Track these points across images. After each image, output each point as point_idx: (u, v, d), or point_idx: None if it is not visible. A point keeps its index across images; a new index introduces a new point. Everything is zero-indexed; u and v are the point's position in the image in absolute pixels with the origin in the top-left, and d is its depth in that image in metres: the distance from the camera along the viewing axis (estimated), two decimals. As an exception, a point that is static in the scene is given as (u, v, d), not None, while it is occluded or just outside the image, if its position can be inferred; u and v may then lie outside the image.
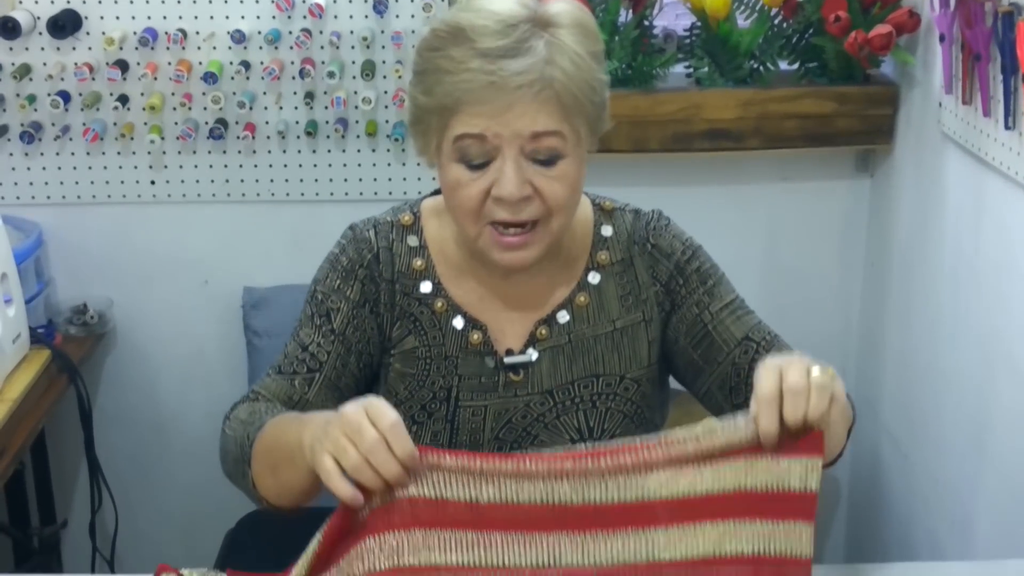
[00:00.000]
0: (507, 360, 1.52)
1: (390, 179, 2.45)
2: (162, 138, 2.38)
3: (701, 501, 1.25)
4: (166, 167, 2.42)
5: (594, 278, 1.54)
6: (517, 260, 1.43)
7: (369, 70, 2.35)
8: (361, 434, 1.21)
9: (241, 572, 1.44)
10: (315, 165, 2.43)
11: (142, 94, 2.36)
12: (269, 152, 2.43)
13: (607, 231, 1.55)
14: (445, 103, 1.37)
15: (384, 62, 2.37)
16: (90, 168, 2.42)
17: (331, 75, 2.32)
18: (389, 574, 1.23)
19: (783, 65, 2.40)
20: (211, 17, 2.33)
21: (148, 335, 2.55)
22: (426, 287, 1.53)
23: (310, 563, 1.27)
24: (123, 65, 2.32)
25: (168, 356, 2.56)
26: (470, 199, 1.40)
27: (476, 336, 1.52)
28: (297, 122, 2.40)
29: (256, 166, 2.43)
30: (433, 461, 1.24)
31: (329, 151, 2.43)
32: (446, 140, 1.39)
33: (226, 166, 2.43)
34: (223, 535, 2.23)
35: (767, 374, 1.24)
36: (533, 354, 1.52)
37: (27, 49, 2.32)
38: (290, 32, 2.33)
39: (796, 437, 1.23)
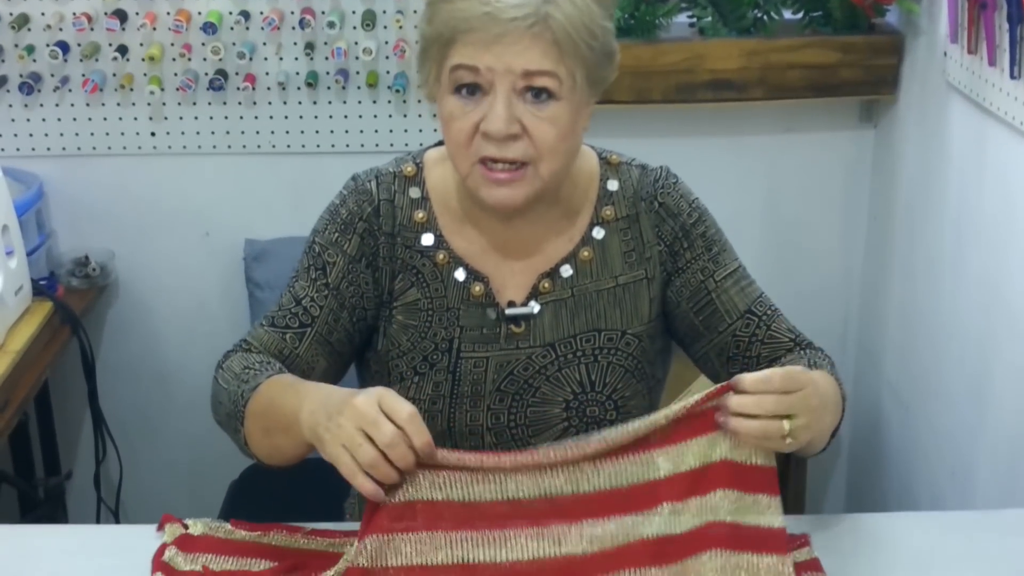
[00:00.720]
0: (509, 312, 1.52)
1: (391, 130, 2.43)
2: (162, 89, 2.37)
3: (683, 479, 1.28)
4: (166, 118, 2.41)
5: (598, 233, 1.53)
6: (505, 198, 1.42)
7: (370, 20, 2.33)
8: (378, 428, 1.22)
9: (245, 522, 1.45)
10: (316, 116, 2.42)
11: (141, 44, 2.35)
12: (269, 103, 2.41)
13: (613, 186, 1.55)
14: (443, 32, 1.38)
15: (384, 12, 2.35)
16: (90, 120, 2.41)
17: (331, 25, 2.31)
18: (401, 571, 1.25)
19: (787, 14, 2.38)
20: (210, -34, 2.31)
21: (150, 287, 2.55)
22: (428, 239, 1.52)
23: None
24: (122, 15, 2.31)
25: (170, 308, 2.56)
26: (461, 132, 1.40)
27: (478, 288, 1.52)
28: (297, 73, 2.39)
29: (256, 117, 2.42)
30: (439, 457, 1.26)
31: (330, 102, 2.42)
32: (444, 71, 1.40)
33: (226, 117, 2.42)
34: (227, 486, 2.24)
35: (796, 374, 1.29)
36: (535, 306, 1.52)
37: (25, -1, 2.31)
38: (290, -19, 2.31)
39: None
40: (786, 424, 1.26)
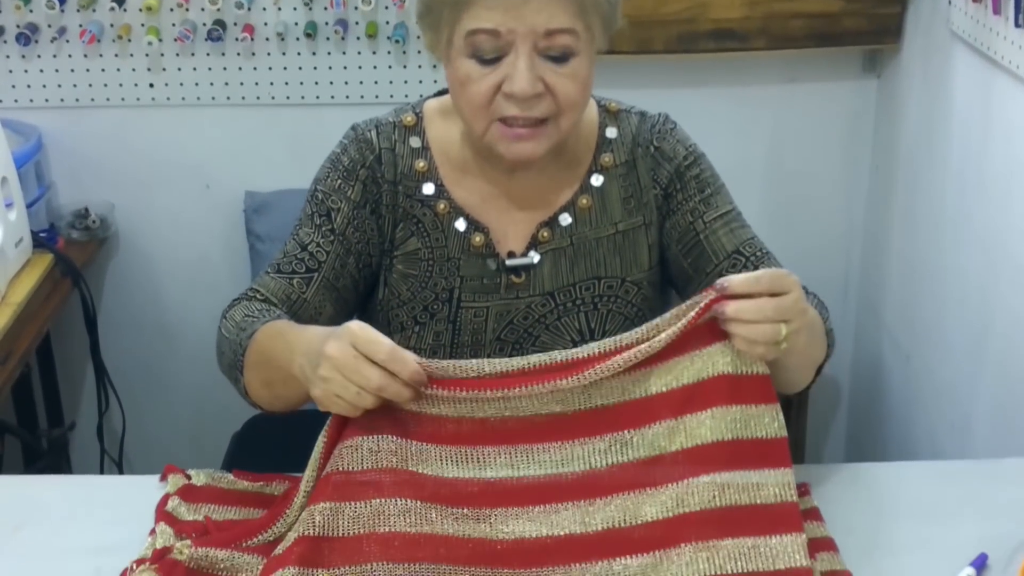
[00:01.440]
0: (509, 262, 1.52)
1: (391, 81, 2.42)
2: (160, 40, 2.35)
3: (677, 396, 1.26)
4: (164, 70, 2.40)
5: (597, 180, 1.53)
6: (525, 152, 1.41)
7: (369, -31, 2.31)
8: (363, 375, 1.20)
9: (247, 472, 1.45)
10: (315, 68, 2.41)
11: (138, -5, 2.33)
12: (268, 55, 2.40)
13: (612, 133, 1.54)
14: None
15: (384, -39, 2.33)
16: (88, 71, 2.39)
17: (330, -26, 2.29)
18: (392, 473, 1.25)
19: (790, -37, 2.36)
20: (207, -85, 2.29)
21: (150, 240, 2.55)
22: (428, 189, 1.52)
23: (316, 468, 1.28)
24: (118, -35, 2.29)
25: (171, 261, 2.56)
26: (480, 95, 1.38)
27: (478, 238, 1.51)
28: (296, 23, 2.37)
29: (255, 69, 2.41)
30: (432, 370, 1.25)
31: (329, 53, 2.40)
32: (457, 34, 1.37)
33: (225, 69, 2.40)
34: (229, 437, 2.25)
35: (783, 276, 1.25)
36: (535, 256, 1.52)
37: (21, -52, 2.29)
38: (288, -70, 2.29)
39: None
40: (782, 328, 1.23)
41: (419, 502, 1.23)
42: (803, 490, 1.38)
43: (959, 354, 2.07)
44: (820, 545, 1.29)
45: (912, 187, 2.31)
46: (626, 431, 1.27)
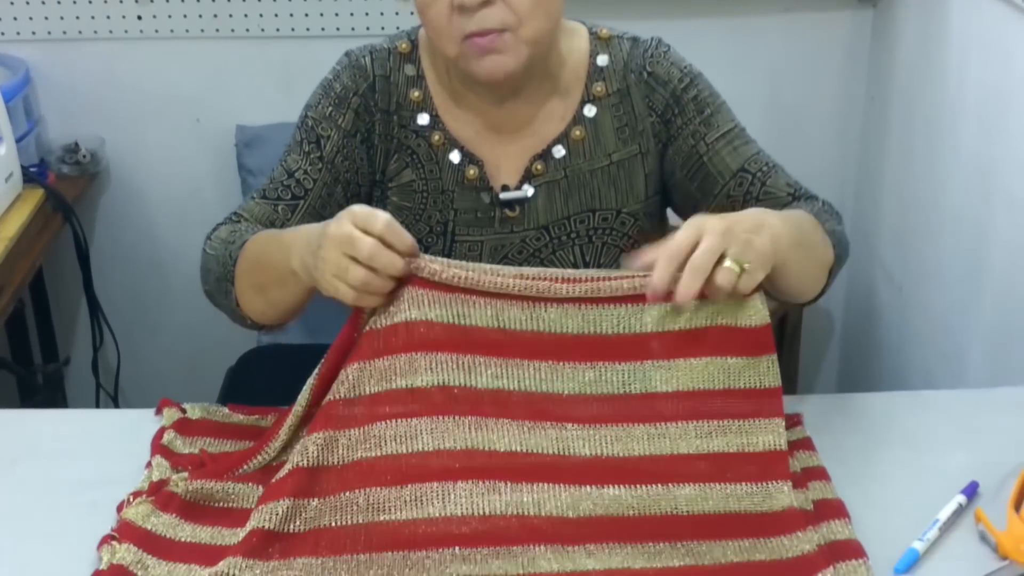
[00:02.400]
0: (503, 196, 1.51)
1: (382, 13, 2.39)
2: (147, -29, 2.32)
3: (671, 338, 1.26)
4: (152, 1, 2.37)
5: (590, 111, 1.52)
6: (495, 67, 1.39)
7: (359, -103, 2.27)
8: (357, 244, 1.19)
9: (242, 406, 1.46)
10: (306, -2, 2.38)
11: (125, -76, 2.29)
12: (258, -15, 2.37)
13: (603, 60, 1.52)
14: None
15: None
16: (75, 2, 2.36)
17: (319, -97, 2.25)
18: (381, 396, 1.24)
19: None
20: None
21: (142, 175, 2.53)
22: (423, 119, 1.51)
23: (311, 392, 1.29)
24: None
25: (163, 195, 2.55)
26: (438, 16, 1.37)
27: (472, 171, 1.50)
28: (286, -47, 2.34)
29: (245, 0, 2.38)
30: (423, 268, 1.24)
31: (320, -17, 2.37)
32: None
33: (214, 0, 2.37)
34: (224, 372, 2.26)
35: (685, 231, 1.21)
36: (529, 190, 1.51)
37: None
38: None
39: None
40: (727, 263, 1.19)
41: (412, 420, 1.23)
42: (795, 420, 1.38)
43: (952, 285, 2.08)
44: (812, 474, 1.30)
45: (907, 118, 2.30)
46: (618, 362, 1.26)
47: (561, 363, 1.27)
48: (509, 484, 1.20)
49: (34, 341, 2.54)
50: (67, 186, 2.36)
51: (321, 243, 1.22)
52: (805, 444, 1.36)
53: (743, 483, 1.22)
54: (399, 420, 1.23)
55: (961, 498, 1.26)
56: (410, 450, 1.22)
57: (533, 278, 1.26)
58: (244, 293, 1.40)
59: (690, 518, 1.20)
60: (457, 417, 1.23)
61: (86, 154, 2.40)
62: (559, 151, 1.51)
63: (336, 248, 1.21)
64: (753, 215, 1.26)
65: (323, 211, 1.49)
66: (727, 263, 1.20)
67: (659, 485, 1.22)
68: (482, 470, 1.21)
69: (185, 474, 1.30)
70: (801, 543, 1.18)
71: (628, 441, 1.24)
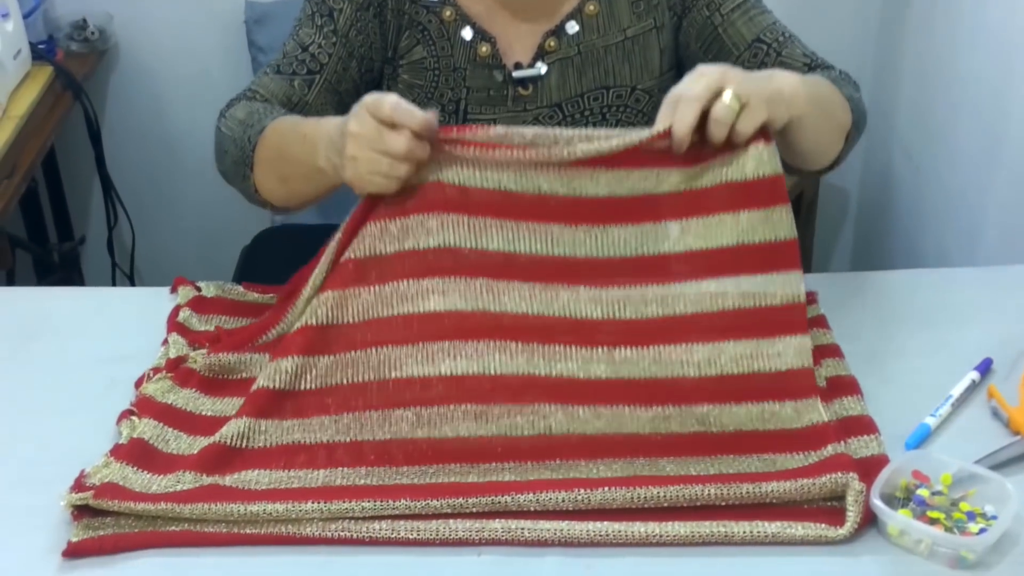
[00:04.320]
0: (516, 74, 1.49)
1: None
2: None
3: (687, 198, 1.24)
4: None
5: (604, -16, 1.49)
6: None
7: None
8: (390, 143, 1.18)
9: (257, 284, 1.46)
10: None
11: None
12: None
13: (618, -68, 1.49)
14: None
15: None
16: None
17: None
18: (392, 258, 1.24)
19: None
20: None
21: (151, 52, 2.50)
22: (434, -6, 1.48)
23: (330, 264, 1.27)
24: None
25: (172, 73, 2.53)
26: None
27: (484, 48, 1.48)
28: None
29: None
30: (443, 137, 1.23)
31: None
32: None
33: None
34: (239, 251, 2.26)
35: (687, 76, 1.20)
36: (542, 67, 1.49)
37: None
38: None
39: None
40: (726, 98, 1.17)
41: (422, 280, 1.22)
42: (810, 298, 1.38)
43: (970, 162, 2.06)
44: (826, 352, 1.31)
45: (929, -10, 2.25)
46: (631, 223, 1.25)
47: (573, 226, 1.25)
48: (520, 344, 1.21)
49: (49, 221, 2.55)
50: (76, 63, 2.34)
51: (346, 143, 1.20)
52: (819, 321, 1.36)
53: (757, 338, 1.21)
54: (410, 280, 1.23)
55: (974, 374, 1.26)
56: (421, 310, 1.22)
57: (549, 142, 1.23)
58: (265, 181, 1.39)
59: (701, 380, 1.20)
60: (468, 278, 1.23)
61: (94, 31, 2.37)
62: (572, 27, 1.49)
63: (365, 146, 1.19)
64: (766, 72, 1.25)
65: (339, 86, 1.48)
66: (726, 98, 1.18)
67: (672, 345, 1.22)
68: (493, 330, 1.21)
69: (204, 351, 1.31)
70: (811, 412, 1.18)
71: (641, 303, 1.24)
